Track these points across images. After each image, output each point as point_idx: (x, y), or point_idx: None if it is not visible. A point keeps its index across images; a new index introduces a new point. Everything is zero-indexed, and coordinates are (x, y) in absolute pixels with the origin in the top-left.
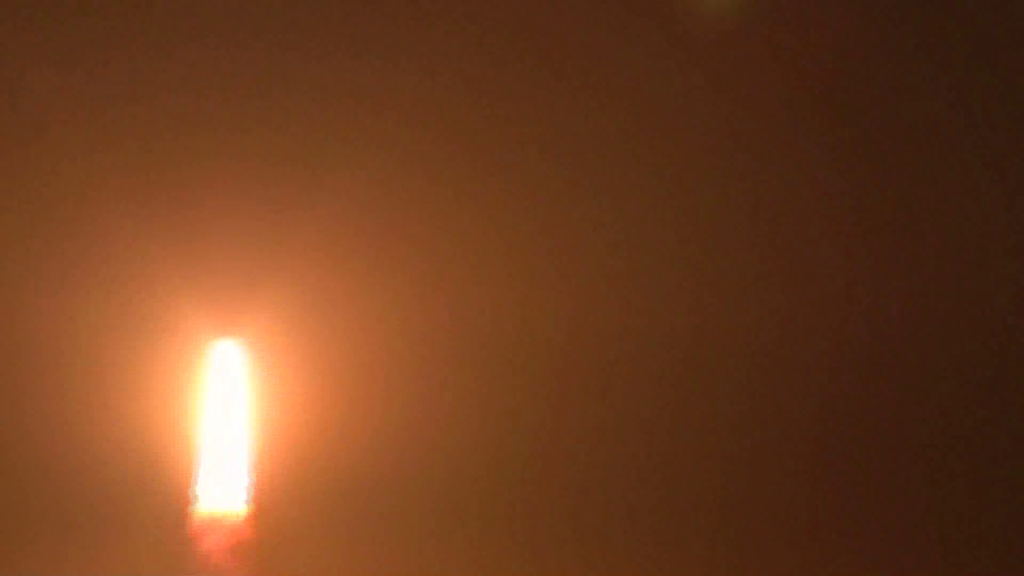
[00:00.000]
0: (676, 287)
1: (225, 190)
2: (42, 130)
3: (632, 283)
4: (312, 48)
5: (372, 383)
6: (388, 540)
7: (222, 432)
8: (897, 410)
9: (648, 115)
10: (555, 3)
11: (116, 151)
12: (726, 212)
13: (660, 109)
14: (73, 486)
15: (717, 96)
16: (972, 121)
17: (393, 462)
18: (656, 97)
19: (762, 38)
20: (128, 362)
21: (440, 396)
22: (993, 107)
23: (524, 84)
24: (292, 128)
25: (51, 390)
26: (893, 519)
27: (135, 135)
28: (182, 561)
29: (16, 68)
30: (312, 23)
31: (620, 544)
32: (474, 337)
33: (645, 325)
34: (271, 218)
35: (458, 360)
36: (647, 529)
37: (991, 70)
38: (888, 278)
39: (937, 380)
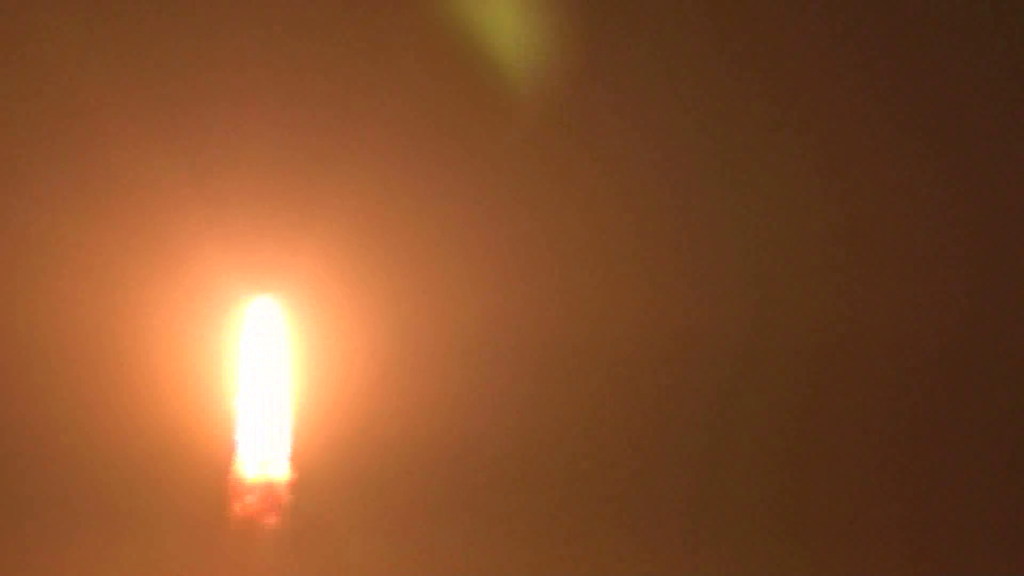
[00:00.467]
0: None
1: (263, 146)
2: (80, 89)
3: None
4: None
5: (409, 339)
6: (425, 496)
7: (260, 389)
8: (893, 405)
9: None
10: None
11: (155, 109)
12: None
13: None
14: (111, 444)
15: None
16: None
17: (430, 419)
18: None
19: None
20: (166, 320)
21: (479, 353)
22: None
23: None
24: (331, 83)
25: (90, 349)
26: (889, 512)
27: (174, 92)
28: (221, 521)
29: (51, 14)
30: None
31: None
32: (515, 292)
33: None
34: (309, 174)
35: (497, 316)
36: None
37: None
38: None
39: (933, 377)
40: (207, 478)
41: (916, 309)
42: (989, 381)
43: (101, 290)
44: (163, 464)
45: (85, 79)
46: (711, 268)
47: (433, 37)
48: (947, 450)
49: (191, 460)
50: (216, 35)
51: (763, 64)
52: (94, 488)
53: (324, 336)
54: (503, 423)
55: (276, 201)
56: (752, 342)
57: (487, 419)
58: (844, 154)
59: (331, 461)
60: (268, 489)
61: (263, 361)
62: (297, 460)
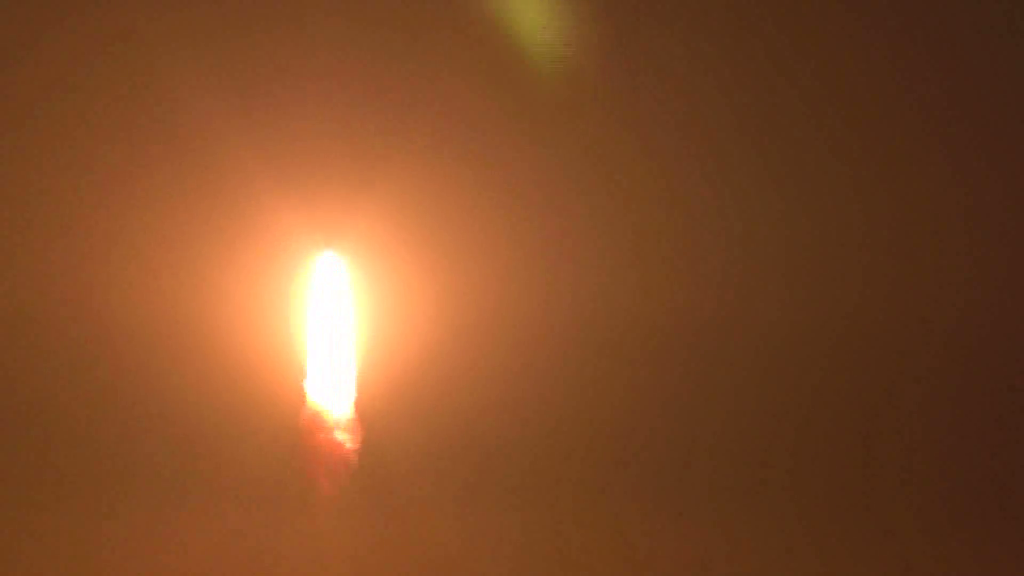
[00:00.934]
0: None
1: (331, 104)
2: (160, 63)
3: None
4: None
5: (464, 292)
6: (476, 437)
7: (326, 337)
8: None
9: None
10: None
11: (227, 72)
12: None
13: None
14: (189, 392)
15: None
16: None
17: (483, 369)
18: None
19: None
20: (243, 274)
21: (535, 307)
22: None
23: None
24: (398, 47)
25: (168, 302)
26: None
27: (246, 61)
28: (291, 461)
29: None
30: None
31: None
32: (573, 247)
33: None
34: (372, 144)
35: (555, 271)
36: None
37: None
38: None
39: (936, 368)
40: (278, 420)
41: (916, 307)
42: (984, 375)
43: (185, 250)
44: (239, 409)
45: (158, 46)
46: (739, 260)
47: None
48: (948, 446)
49: (264, 404)
50: (287, 10)
51: (781, 65)
52: (182, 431)
53: (385, 288)
54: (554, 374)
55: (342, 168)
56: (781, 333)
57: (537, 369)
58: (865, 154)
59: (391, 405)
60: (334, 430)
61: (330, 311)
62: (360, 404)
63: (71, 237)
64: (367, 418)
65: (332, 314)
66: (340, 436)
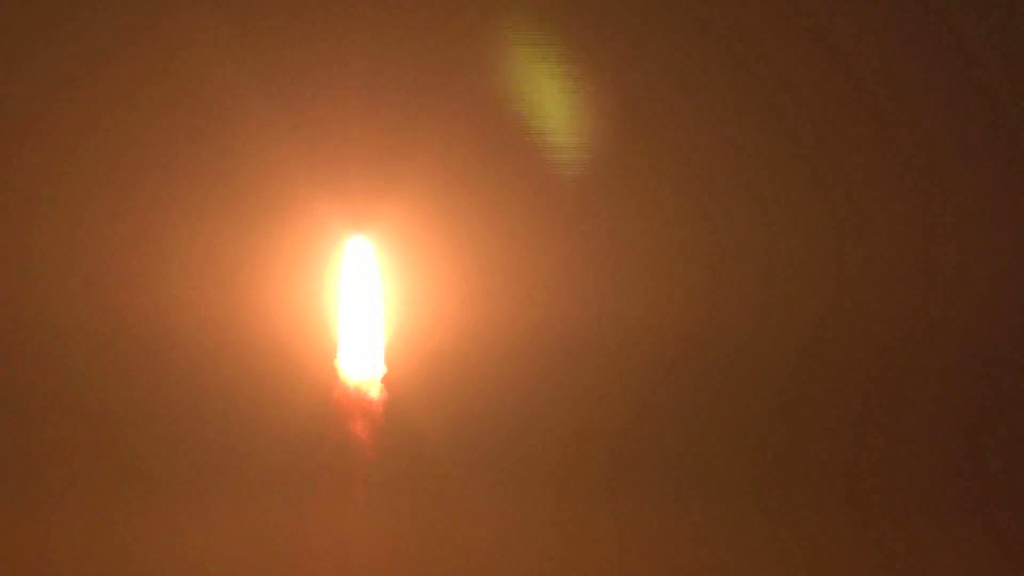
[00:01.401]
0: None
1: (360, 90)
2: (193, 53)
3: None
4: None
5: (496, 276)
6: (501, 409)
7: (357, 316)
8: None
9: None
10: None
11: (259, 61)
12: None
13: None
14: (231, 364)
15: None
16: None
17: (515, 350)
18: None
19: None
20: (273, 258)
21: (561, 290)
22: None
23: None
24: (426, 32)
25: (201, 283)
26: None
27: (280, 48)
28: (324, 433)
29: None
30: None
31: None
32: (600, 230)
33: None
34: (404, 118)
35: (582, 253)
36: None
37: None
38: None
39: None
40: (310, 398)
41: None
42: (984, 376)
43: (223, 236)
44: (272, 390)
45: (191, 35)
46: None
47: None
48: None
49: (297, 384)
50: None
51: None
52: (218, 399)
53: (413, 271)
54: (581, 355)
55: (372, 156)
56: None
57: (564, 351)
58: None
59: (419, 384)
60: (364, 404)
61: (359, 292)
62: (389, 382)
63: (111, 225)
64: (396, 396)
65: (362, 296)
66: (370, 410)
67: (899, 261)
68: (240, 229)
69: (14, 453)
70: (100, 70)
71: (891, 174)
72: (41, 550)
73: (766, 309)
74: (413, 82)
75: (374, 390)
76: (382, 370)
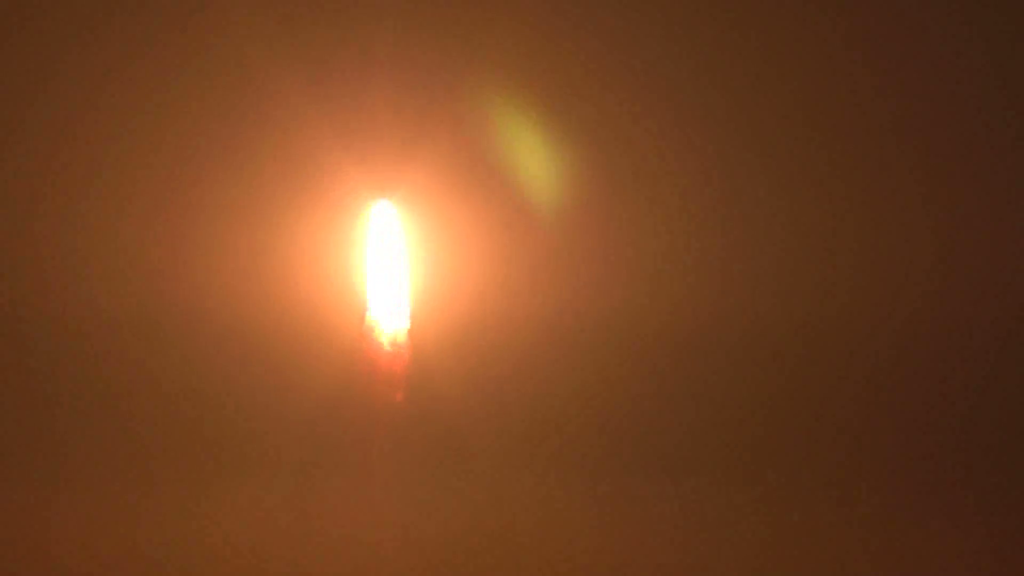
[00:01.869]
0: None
1: (384, 53)
2: (221, 25)
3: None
4: None
5: (524, 244)
6: (533, 385)
7: (382, 283)
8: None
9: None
10: None
11: (286, 30)
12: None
13: None
14: (254, 329)
15: None
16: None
17: (539, 313)
18: None
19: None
20: (299, 221)
21: (585, 254)
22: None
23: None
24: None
25: (223, 249)
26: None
27: (304, 12)
28: (350, 400)
29: None
30: None
31: None
32: (625, 204)
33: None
34: (428, 81)
35: (608, 219)
36: None
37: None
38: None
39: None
40: (333, 366)
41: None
42: (985, 377)
43: (252, 201)
44: (301, 349)
45: (220, 7)
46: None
47: None
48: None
49: (326, 342)
50: None
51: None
52: (241, 363)
53: (437, 236)
54: (608, 319)
55: (397, 119)
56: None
57: (590, 316)
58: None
59: (444, 350)
60: (393, 357)
61: (384, 258)
62: (413, 339)
63: (143, 192)
64: (420, 355)
65: (388, 259)
66: (398, 363)
67: (899, 261)
68: (271, 195)
69: (49, 426)
70: (137, 47)
71: (891, 174)
72: (78, 520)
73: (790, 299)
74: (440, 45)
75: (401, 345)
76: (407, 327)
